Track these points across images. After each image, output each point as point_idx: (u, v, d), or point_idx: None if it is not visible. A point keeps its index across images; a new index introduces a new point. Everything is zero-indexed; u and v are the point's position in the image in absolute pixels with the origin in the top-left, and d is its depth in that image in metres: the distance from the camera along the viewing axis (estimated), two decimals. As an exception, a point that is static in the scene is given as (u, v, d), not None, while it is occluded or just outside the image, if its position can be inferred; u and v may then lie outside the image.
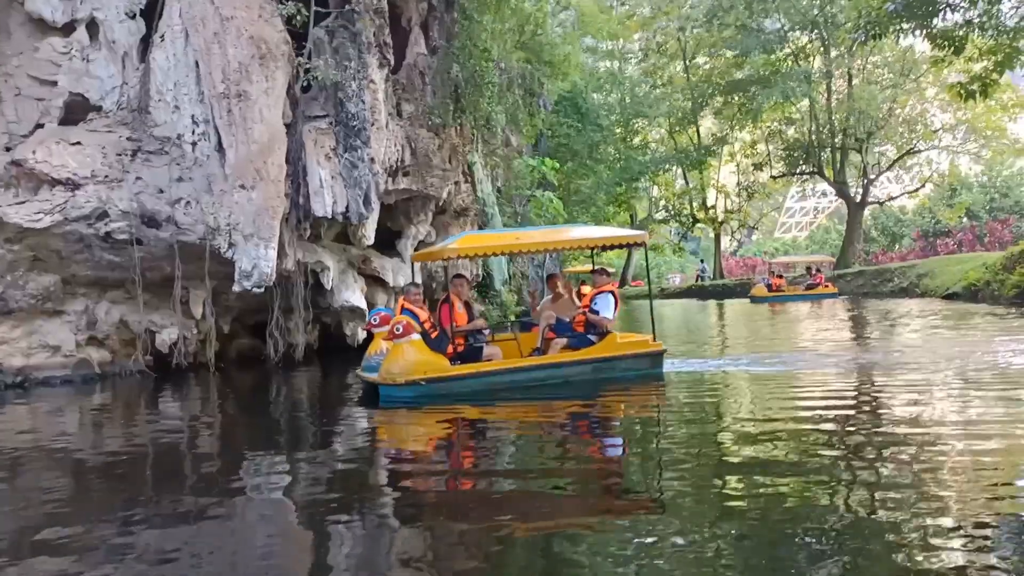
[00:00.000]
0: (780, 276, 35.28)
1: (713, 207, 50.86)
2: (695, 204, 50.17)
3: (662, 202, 54.51)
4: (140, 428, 9.56)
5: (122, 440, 8.69)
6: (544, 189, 27.86)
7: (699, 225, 52.32)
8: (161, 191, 13.15)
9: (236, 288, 13.19)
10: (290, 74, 13.70)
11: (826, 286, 32.59)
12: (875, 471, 5.52)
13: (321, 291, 15.47)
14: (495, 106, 18.49)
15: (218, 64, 13.01)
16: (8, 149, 13.49)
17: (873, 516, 4.52)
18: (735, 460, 6.20)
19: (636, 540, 4.35)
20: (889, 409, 7.82)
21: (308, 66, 13.81)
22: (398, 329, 9.76)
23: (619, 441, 7.46)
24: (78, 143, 13.05)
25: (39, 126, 13.73)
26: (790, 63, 42.33)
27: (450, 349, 10.17)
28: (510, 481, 6.06)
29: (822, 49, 42.01)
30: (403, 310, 10.27)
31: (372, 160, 14.43)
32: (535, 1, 24.79)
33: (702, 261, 54.23)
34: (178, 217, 13.14)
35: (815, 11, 39.65)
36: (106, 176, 12.94)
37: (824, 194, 70.71)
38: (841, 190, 44.26)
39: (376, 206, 14.85)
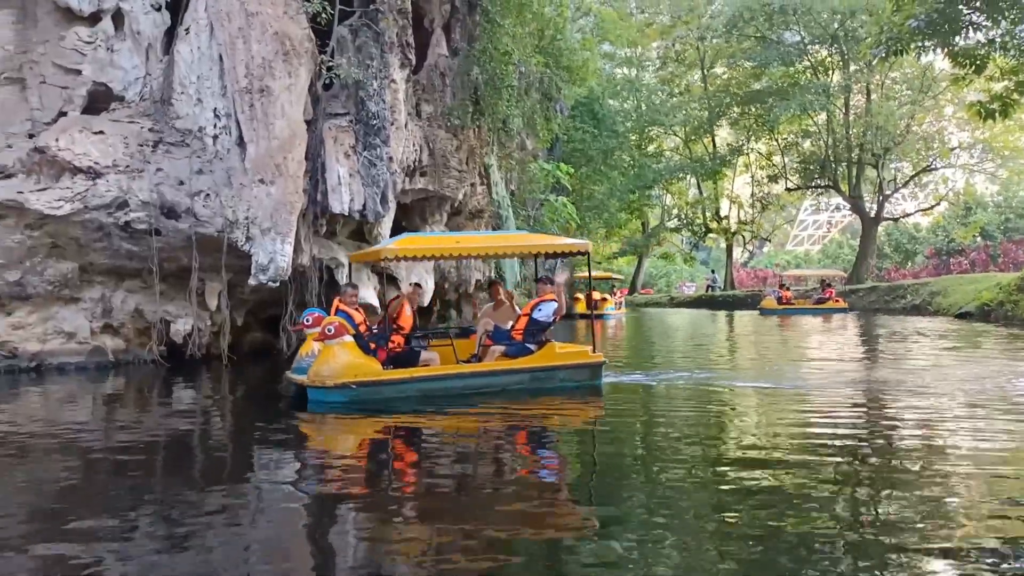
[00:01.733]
0: (788, 289, 35.27)
1: (726, 217, 50.82)
2: (708, 214, 50.15)
3: (675, 210, 54.49)
4: (151, 417, 9.62)
5: (133, 428, 8.75)
6: (557, 194, 27.89)
7: (711, 235, 52.28)
8: (181, 183, 13.25)
9: (252, 281, 13.29)
10: (312, 71, 13.79)
11: (836, 301, 32.53)
12: (873, 495, 5.41)
13: (335, 287, 15.52)
14: (513, 109, 18.55)
15: (242, 59, 13.11)
16: (31, 136, 13.63)
17: (872, 539, 4.51)
18: (688, 481, 5.92)
19: (572, 554, 4.37)
20: (891, 431, 7.61)
21: (330, 64, 13.90)
22: (330, 330, 9.40)
23: (553, 452, 7.25)
24: (101, 132, 13.17)
25: (62, 114, 13.86)
26: (808, 76, 42.31)
27: (383, 351, 9.87)
28: (439, 490, 5.87)
29: (841, 63, 41.96)
30: (337, 311, 10.01)
31: (390, 159, 14.51)
32: (555, 6, 24.80)
33: (713, 271, 54.21)
34: (197, 209, 13.23)
35: (835, 25, 39.61)
36: (127, 166, 13.05)
37: (838, 208, 70.50)
38: (856, 205, 44.16)
39: (392, 205, 14.94)
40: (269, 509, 5.41)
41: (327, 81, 14.17)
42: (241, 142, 13.35)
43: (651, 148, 50.01)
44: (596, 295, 34.80)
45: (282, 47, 13.17)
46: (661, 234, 51.95)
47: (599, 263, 48.11)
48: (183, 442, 8.03)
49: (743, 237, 53.68)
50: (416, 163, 15.84)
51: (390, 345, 10.02)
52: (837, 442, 6.95)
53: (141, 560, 4.34)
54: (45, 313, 13.80)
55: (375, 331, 10.42)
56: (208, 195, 13.32)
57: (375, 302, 15.99)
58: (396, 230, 16.01)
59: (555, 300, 10.61)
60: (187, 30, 13.63)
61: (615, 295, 36.62)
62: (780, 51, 41.09)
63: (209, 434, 8.54)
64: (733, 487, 5.63)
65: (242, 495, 5.76)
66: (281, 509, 5.39)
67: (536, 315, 10.50)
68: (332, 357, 9.35)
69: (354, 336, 9.61)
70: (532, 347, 10.39)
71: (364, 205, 14.30)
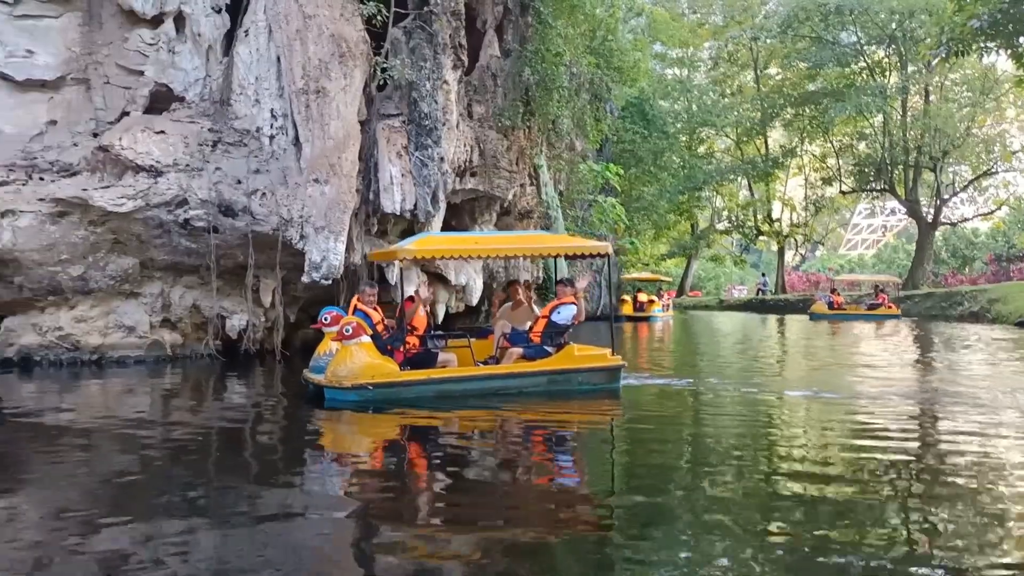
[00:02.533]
0: (839, 293, 34.64)
1: (778, 220, 50.12)
2: (759, 216, 49.49)
3: (725, 212, 53.89)
4: (207, 411, 9.87)
5: (189, 422, 8.98)
6: (606, 194, 27.83)
7: (762, 238, 51.59)
8: (239, 182, 13.53)
9: (305, 279, 13.51)
10: (367, 72, 13.99)
11: (889, 307, 31.84)
12: (924, 510, 5.27)
13: (385, 286, 15.71)
14: (563, 110, 18.56)
15: (299, 60, 13.35)
16: (96, 135, 14.06)
17: (923, 554, 4.43)
18: (717, 487, 5.83)
19: (584, 557, 4.37)
20: (945, 444, 7.32)
21: (385, 65, 14.08)
22: (347, 330, 9.33)
23: (570, 456, 7.23)
24: (162, 132, 13.52)
25: (125, 114, 14.28)
26: (865, 77, 41.48)
27: (400, 351, 9.82)
28: (455, 493, 5.86)
29: (899, 64, 41.06)
30: (355, 310, 9.95)
31: (442, 159, 14.64)
32: (607, 7, 24.75)
33: (763, 275, 53.47)
34: (253, 208, 13.50)
35: (893, 25, 38.77)
36: (187, 165, 13.37)
37: (893, 212, 69.00)
38: (912, 209, 43.16)
39: (443, 205, 15.06)
40: (299, 508, 5.46)
41: (381, 82, 14.35)
42: (297, 142, 13.60)
43: (702, 149, 49.57)
44: (643, 297, 34.65)
45: (338, 49, 13.38)
46: (711, 236, 51.45)
47: (646, 264, 47.83)
48: (235, 436, 8.24)
49: (795, 240, 52.87)
50: (467, 163, 15.95)
51: (405, 346, 9.92)
52: (887, 454, 6.75)
53: (190, 552, 4.48)
54: (106, 307, 14.22)
55: (392, 332, 10.33)
56: (264, 194, 13.58)
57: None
58: (446, 229, 16.13)
59: (575, 303, 10.55)
60: (246, 32, 13.93)
61: (662, 297, 36.33)
62: (836, 52, 40.35)
63: (259, 429, 8.70)
64: (772, 496, 5.56)
65: (283, 493, 5.86)
66: (312, 509, 5.43)
67: (555, 317, 10.44)
68: (349, 357, 9.30)
69: (371, 336, 9.58)
70: (550, 349, 10.31)
71: (415, 205, 14.45)
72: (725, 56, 49.16)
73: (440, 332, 10.89)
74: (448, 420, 8.65)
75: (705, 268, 62.50)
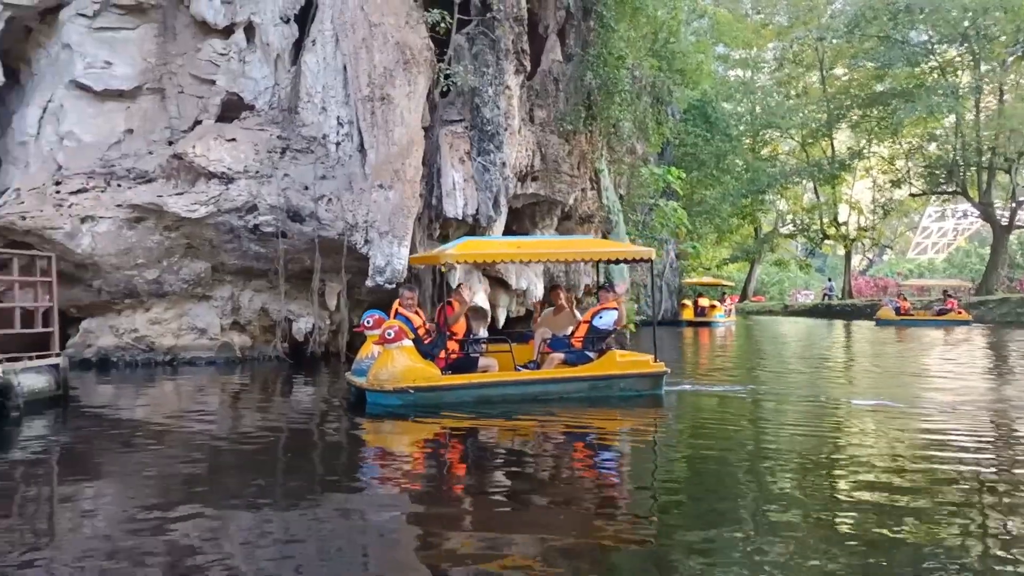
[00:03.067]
0: (906, 299, 33.69)
1: (845, 223, 48.92)
2: (825, 219, 48.40)
3: (790, 216, 52.85)
4: (272, 411, 10.11)
5: (258, 421, 9.22)
6: (668, 198, 27.57)
7: (828, 242, 50.44)
8: (306, 188, 13.83)
9: (369, 283, 13.72)
10: (430, 79, 14.16)
11: (959, 312, 30.80)
12: (993, 521, 5.13)
13: (448, 289, 15.85)
14: (625, 113, 18.47)
15: (364, 68, 13.58)
16: (170, 143, 14.55)
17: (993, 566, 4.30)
18: (749, 496, 5.80)
19: (641, 565, 4.33)
20: (1018, 456, 7.07)
21: (448, 72, 14.23)
22: (389, 334, 9.34)
23: (613, 463, 7.14)
24: (233, 139, 13.90)
25: (198, 122, 14.75)
26: (936, 77, 40.23)
27: (442, 356, 9.78)
28: (509, 498, 5.85)
29: (972, 63, 39.72)
30: (396, 314, 9.92)
31: (503, 164, 14.72)
32: (670, 9, 24.54)
33: (829, 279, 52.28)
34: (320, 213, 13.78)
35: (966, 23, 37.51)
36: (257, 172, 13.72)
37: (965, 215, 66.71)
38: (986, 212, 41.70)
39: (504, 209, 15.14)
40: (358, 509, 5.54)
41: (444, 88, 14.51)
42: (362, 148, 13.84)
43: (765, 152, 48.72)
44: (704, 302, 34.17)
45: (402, 56, 13.57)
46: (775, 240, 50.49)
47: (708, 269, 47.21)
48: (300, 436, 8.41)
49: (862, 244, 51.56)
50: (528, 168, 16.00)
51: (446, 351, 9.85)
52: (959, 465, 6.52)
53: (256, 550, 4.61)
54: (179, 310, 14.68)
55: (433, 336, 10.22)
56: (330, 199, 13.84)
57: (485, 305, 16.23)
58: (507, 234, 16.20)
59: (616, 308, 10.45)
60: (313, 41, 14.24)
61: (724, 302, 35.79)
62: (905, 51, 39.20)
63: (323, 429, 8.86)
64: (833, 506, 5.44)
65: (343, 495, 5.98)
66: (370, 510, 5.51)
67: (596, 323, 10.35)
68: (391, 361, 9.30)
69: (413, 340, 9.60)
70: (592, 355, 10.22)
71: (477, 209, 14.56)
72: (790, 57, 48.22)
73: (481, 337, 10.72)
74: (491, 425, 8.64)
75: (768, 273, 61.35)
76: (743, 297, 50.89)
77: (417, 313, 10.39)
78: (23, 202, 13.49)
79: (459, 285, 11.23)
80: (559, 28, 17.05)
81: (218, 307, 14.83)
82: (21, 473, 6.64)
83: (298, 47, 14.81)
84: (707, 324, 32.18)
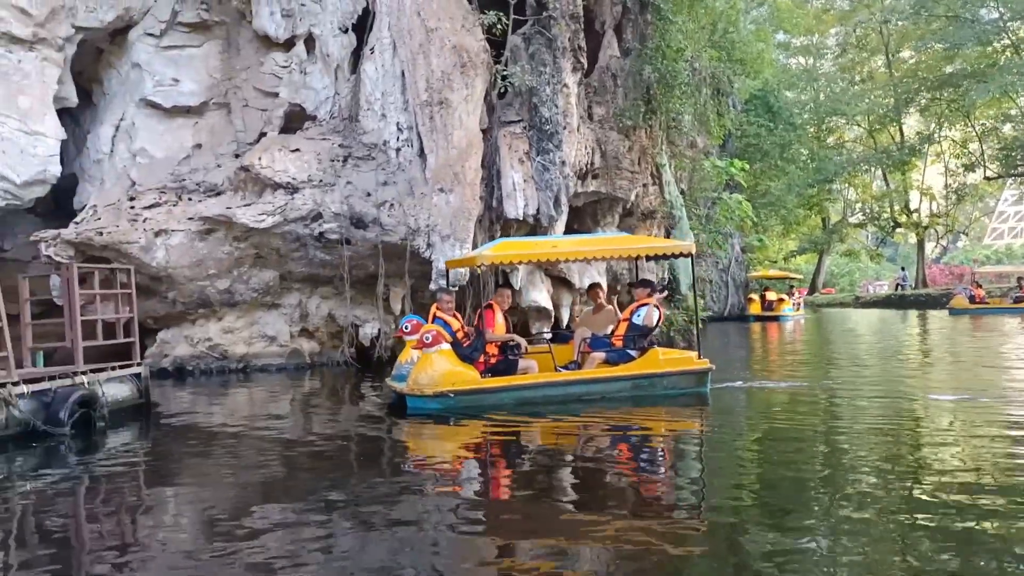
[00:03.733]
0: (980, 286, 32.44)
1: (916, 210, 47.47)
2: (896, 207, 47.00)
3: (858, 205, 51.48)
4: (341, 415, 10.28)
5: (328, 426, 9.38)
6: (731, 191, 27.11)
7: (899, 230, 48.99)
8: (368, 194, 13.99)
9: (432, 287, 13.81)
10: (488, 81, 14.18)
11: (1036, 299, 29.53)
12: None
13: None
14: (685, 106, 18.22)
15: (422, 74, 13.68)
16: (237, 155, 14.89)
17: None
18: (807, 498, 5.60)
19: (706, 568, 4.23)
20: None
21: (505, 73, 14.24)
22: (427, 338, 9.36)
23: (660, 463, 6.99)
24: (297, 150, 14.15)
25: (262, 134, 15.06)
26: (1009, 55, 38.66)
27: (481, 360, 9.69)
28: (543, 504, 5.72)
29: (1049, 38, 38.11)
30: (434, 318, 9.90)
31: (563, 163, 14.66)
32: (728, -1, 24.14)
33: (903, 268, 50.74)
34: (382, 219, 13.92)
35: (1041, -3, 36.01)
36: (320, 180, 13.94)
37: (1046, 197, 64.05)
38: (1068, 193, 39.95)
39: (565, 208, 15.07)
40: (427, 512, 5.57)
41: (502, 90, 14.52)
42: (422, 153, 13.95)
43: (831, 140, 47.57)
44: (771, 295, 33.46)
45: (459, 60, 13.63)
46: (843, 230, 49.22)
47: (774, 262, 46.28)
48: (370, 440, 8.52)
49: (936, 231, 49.92)
50: (588, 166, 15.90)
51: (485, 354, 9.77)
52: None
53: (330, 553, 4.67)
54: (250, 318, 15.02)
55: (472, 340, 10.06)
56: (392, 205, 13.98)
57: (548, 305, 16.19)
58: (568, 233, 16.11)
59: (655, 305, 10.29)
60: (372, 49, 14.41)
61: (793, 295, 34.99)
62: (975, 30, 37.73)
63: (393, 435, 8.91)
64: (908, 508, 5.24)
65: (413, 498, 5.99)
66: (437, 513, 5.53)
67: (636, 320, 10.18)
68: (430, 365, 9.29)
69: (452, 344, 9.54)
70: (633, 353, 10.04)
71: (538, 210, 14.53)
72: (853, 42, 46.97)
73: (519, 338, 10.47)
74: (533, 428, 8.51)
75: (838, 264, 59.82)
76: (812, 290, 49.73)
77: (455, 316, 10.36)
78: (100, 218, 13.97)
79: (500, 287, 11.04)
80: (616, 23, 16.90)
81: (287, 315, 15.13)
82: (111, 481, 6.89)
83: (357, 56, 15.02)
84: (775, 318, 31.54)
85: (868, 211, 50.03)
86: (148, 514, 5.78)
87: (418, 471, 6.99)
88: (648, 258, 12.04)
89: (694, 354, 10.40)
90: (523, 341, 10.51)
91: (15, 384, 8.15)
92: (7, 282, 8.69)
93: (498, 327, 10.00)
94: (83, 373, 9.12)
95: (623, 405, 9.50)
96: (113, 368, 9.80)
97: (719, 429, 8.48)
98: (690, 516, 5.31)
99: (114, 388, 9.60)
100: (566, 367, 10.33)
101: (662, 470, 6.75)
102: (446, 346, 9.44)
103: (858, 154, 46.70)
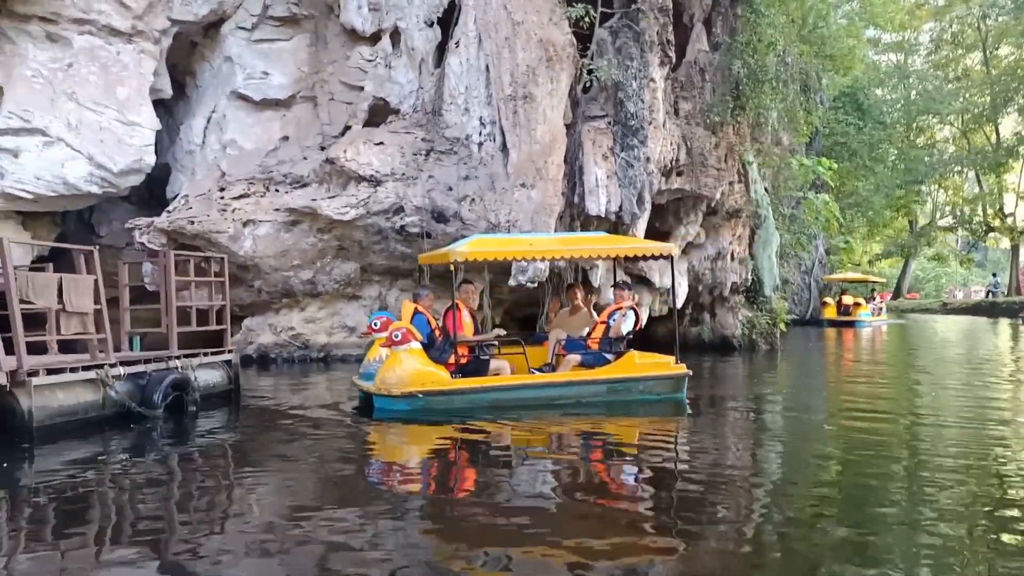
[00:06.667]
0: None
1: (1011, 214, 45.38)
2: (989, 210, 45.02)
3: (948, 207, 49.50)
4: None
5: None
6: (817, 191, 26.27)
7: (992, 234, 46.93)
8: (450, 188, 14.00)
9: (511, 282, 13.74)
10: (573, 75, 14.03)
11: None
12: None
13: (588, 289, 15.67)
14: (775, 103, 17.73)
15: (507, 68, 13.61)
16: (322, 148, 15.09)
17: None
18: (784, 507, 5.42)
19: None
20: None
21: (591, 67, 14.06)
22: (396, 336, 8.87)
23: (633, 470, 6.69)
24: (380, 143, 14.26)
25: (347, 127, 15.22)
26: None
27: (452, 360, 9.24)
28: (498, 510, 5.47)
29: None
30: (415, 314, 9.46)
31: (647, 160, 14.40)
32: (818, -8, 23.35)
33: (994, 274, 48.54)
34: (463, 213, 13.91)
35: None
36: (403, 174, 14.01)
37: None
38: None
39: (648, 206, 14.81)
40: (490, 509, 5.50)
41: (587, 84, 14.35)
42: (504, 148, 13.87)
43: (921, 140, 45.82)
44: (848, 299, 31.99)
45: (545, 53, 13.51)
46: (932, 233, 47.41)
47: (858, 264, 44.84)
48: (439, 432, 8.43)
49: (1031, 236, 47.61)
50: (673, 162, 15.60)
51: (455, 355, 9.33)
52: None
53: (398, 542, 4.72)
54: (331, 309, 15.23)
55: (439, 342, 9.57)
56: (473, 199, 13.95)
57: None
58: (650, 231, 15.85)
59: (631, 308, 9.96)
60: (457, 43, 14.39)
61: (874, 300, 33.56)
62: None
63: (455, 424, 8.70)
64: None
65: (479, 493, 5.90)
66: (497, 512, 5.46)
67: (612, 323, 9.87)
68: (398, 364, 8.84)
69: (423, 343, 9.12)
70: (609, 356, 9.73)
71: (620, 206, 14.31)
72: (948, 38, 45.13)
73: (493, 338, 10.11)
74: (503, 431, 8.21)
75: (924, 268, 57.68)
76: (897, 294, 48.05)
77: (433, 316, 9.98)
78: (191, 207, 14.32)
79: (463, 283, 10.56)
80: (705, 16, 16.55)
81: (367, 306, 15.27)
82: (200, 462, 7.09)
83: (441, 50, 15.04)
84: (851, 324, 30.13)
85: (959, 214, 48.09)
86: (233, 496, 5.91)
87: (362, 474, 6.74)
88: (627, 259, 11.60)
89: (671, 358, 10.01)
90: (500, 331, 10.27)
91: (112, 366, 8.39)
92: (103, 267, 8.94)
93: (466, 327, 9.59)
94: (177, 358, 9.35)
95: (596, 409, 9.19)
96: (205, 354, 10.02)
97: (694, 439, 8.14)
98: (658, 532, 4.97)
99: (206, 373, 9.82)
100: (540, 369, 10.10)
101: (632, 478, 6.44)
102: (416, 344, 9.01)
103: (950, 155, 44.93)
